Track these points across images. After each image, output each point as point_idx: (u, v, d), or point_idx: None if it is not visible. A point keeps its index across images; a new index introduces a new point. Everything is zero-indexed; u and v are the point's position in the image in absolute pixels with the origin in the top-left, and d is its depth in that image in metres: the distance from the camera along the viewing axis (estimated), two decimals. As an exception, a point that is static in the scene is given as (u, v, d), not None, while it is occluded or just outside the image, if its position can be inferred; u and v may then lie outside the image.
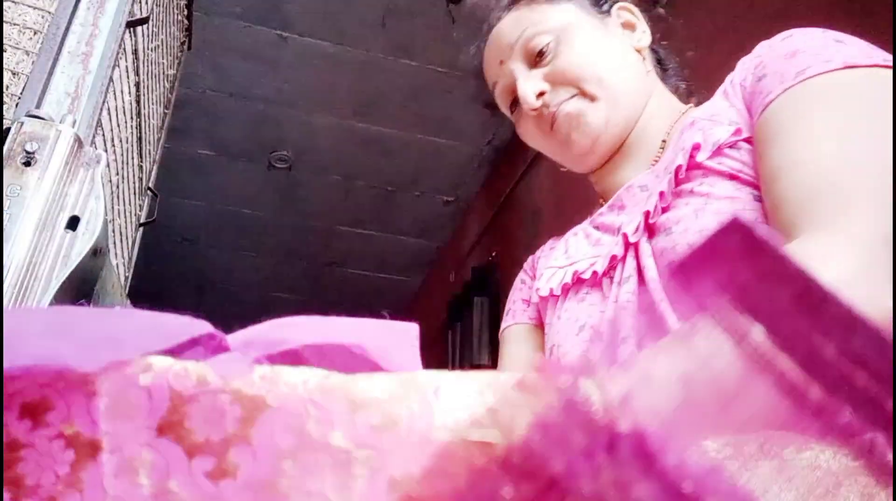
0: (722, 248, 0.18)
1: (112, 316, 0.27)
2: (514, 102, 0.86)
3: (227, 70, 2.92)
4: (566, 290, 0.82)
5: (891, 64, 0.63)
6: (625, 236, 0.75)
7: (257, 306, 4.37)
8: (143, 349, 0.24)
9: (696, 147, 0.71)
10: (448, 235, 3.85)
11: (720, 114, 0.74)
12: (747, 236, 0.18)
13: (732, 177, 0.68)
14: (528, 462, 0.17)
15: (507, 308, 1.00)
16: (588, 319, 0.78)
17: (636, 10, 0.87)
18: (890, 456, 0.21)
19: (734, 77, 0.75)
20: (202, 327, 0.26)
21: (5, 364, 0.23)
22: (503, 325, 0.99)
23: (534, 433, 0.17)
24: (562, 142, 0.82)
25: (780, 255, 0.18)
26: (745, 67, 0.74)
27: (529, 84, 0.81)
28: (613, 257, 0.77)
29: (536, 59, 0.81)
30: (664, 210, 0.72)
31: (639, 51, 0.84)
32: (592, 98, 0.79)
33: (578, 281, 0.81)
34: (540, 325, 0.94)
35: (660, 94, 0.85)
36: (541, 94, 0.80)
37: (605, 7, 0.86)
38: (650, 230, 0.73)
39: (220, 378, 0.23)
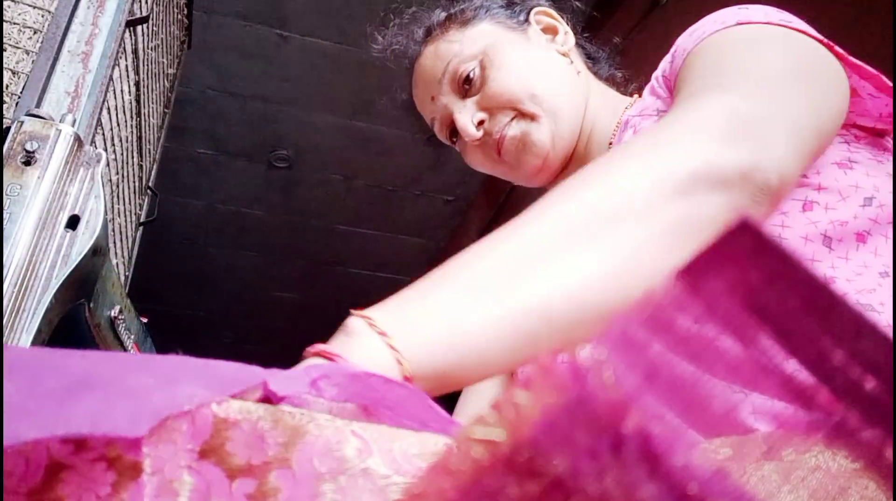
0: (730, 249, 0.18)
1: (163, 367, 0.27)
2: (454, 133, 0.86)
3: (227, 69, 2.91)
4: None
5: (792, 25, 0.64)
6: None
7: (257, 305, 4.37)
8: (198, 402, 0.24)
9: None
10: (448, 235, 3.85)
11: (649, 107, 0.74)
12: (756, 237, 0.18)
13: None
14: (533, 462, 0.17)
15: None
16: None
17: (553, 11, 0.86)
18: (891, 459, 0.21)
19: (657, 72, 0.76)
20: (253, 376, 0.26)
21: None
22: None
23: (539, 433, 0.17)
24: (512, 165, 0.82)
25: (789, 257, 0.18)
26: (664, 61, 0.75)
27: (466, 117, 0.80)
28: None
29: (465, 88, 0.81)
30: None
31: (565, 54, 0.82)
32: (533, 117, 0.78)
33: None
34: None
35: (598, 91, 0.84)
36: (480, 123, 0.80)
37: (522, 17, 0.85)
38: None
39: (262, 408, 0.23)
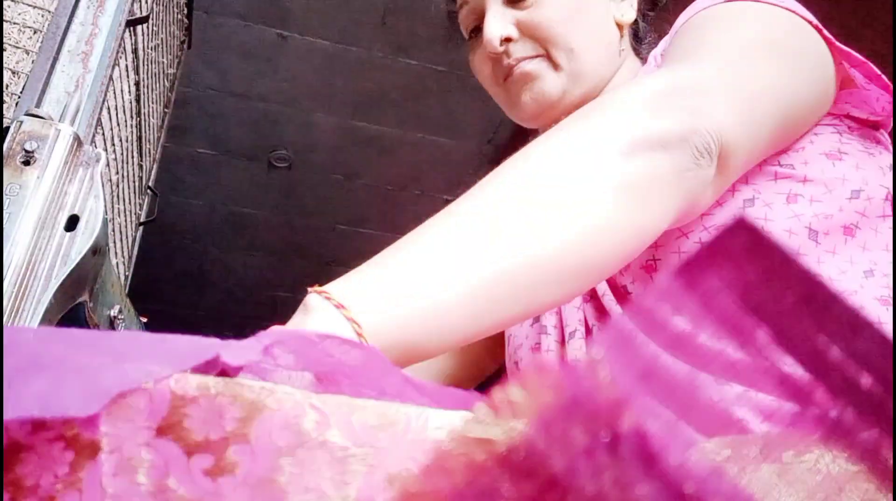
0: (728, 247, 0.18)
1: (116, 344, 0.27)
2: (476, 30, 0.81)
3: (227, 69, 2.91)
4: None
5: (781, 3, 0.64)
6: None
7: (257, 305, 4.37)
8: (150, 377, 0.24)
9: None
10: (448, 234, 3.84)
11: None
12: (753, 236, 0.18)
13: None
14: (530, 461, 0.17)
15: None
16: None
17: None
18: (891, 460, 0.21)
19: (655, 51, 0.76)
20: (210, 349, 0.26)
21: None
22: None
23: (535, 432, 0.17)
24: (510, 97, 0.79)
25: (786, 256, 0.18)
26: (664, 39, 0.75)
27: (498, 25, 0.76)
28: None
29: None
30: None
31: (621, 26, 0.80)
32: (556, 66, 0.76)
33: None
34: None
35: (628, 70, 0.82)
36: (507, 40, 0.76)
37: None
38: None
39: (221, 382, 0.23)
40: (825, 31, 0.65)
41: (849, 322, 0.19)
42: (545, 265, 0.45)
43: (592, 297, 0.72)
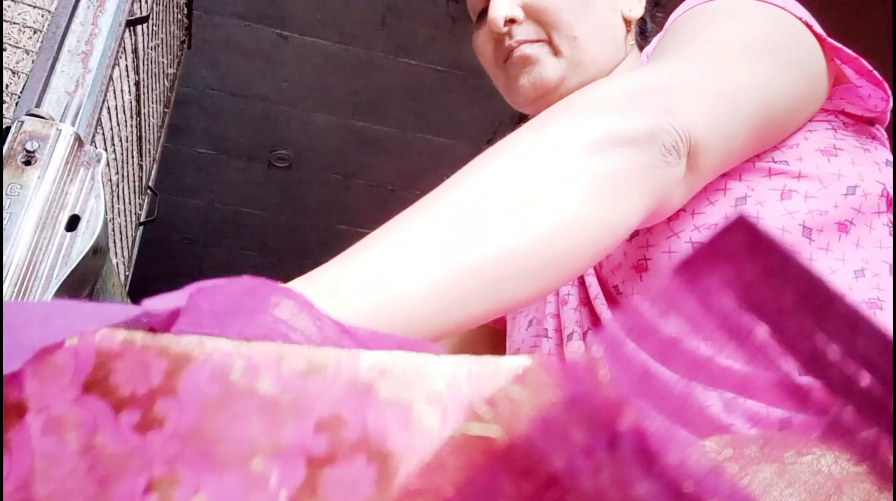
0: (727, 245, 0.18)
1: (43, 307, 0.27)
2: (483, 13, 0.81)
3: (227, 69, 2.91)
4: None
5: (772, 0, 0.64)
6: None
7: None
8: (74, 333, 0.24)
9: None
10: (448, 234, 3.84)
11: None
12: (752, 233, 0.18)
13: None
14: (529, 459, 0.17)
15: None
16: (535, 313, 0.78)
17: None
18: (891, 460, 0.21)
19: (648, 48, 0.76)
20: (138, 308, 0.26)
21: None
22: None
23: (534, 430, 0.17)
24: (507, 79, 0.79)
25: (785, 253, 0.18)
26: (657, 37, 0.75)
27: (504, 5, 0.76)
28: None
29: None
30: None
31: (628, 21, 0.80)
32: (557, 52, 0.76)
33: None
34: (493, 322, 0.93)
35: (631, 62, 0.81)
36: (511, 21, 0.76)
37: None
38: None
39: (147, 336, 0.23)
40: (816, 27, 0.64)
41: (848, 321, 0.19)
42: (515, 258, 0.45)
43: (587, 300, 0.71)
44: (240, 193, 3.57)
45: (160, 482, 0.22)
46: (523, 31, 0.77)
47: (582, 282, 0.72)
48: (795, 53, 0.63)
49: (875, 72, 0.66)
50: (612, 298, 0.68)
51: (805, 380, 0.20)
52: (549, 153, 0.49)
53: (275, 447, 0.22)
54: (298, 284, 0.43)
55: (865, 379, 0.20)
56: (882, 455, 0.21)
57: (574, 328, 0.70)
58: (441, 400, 0.23)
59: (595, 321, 0.69)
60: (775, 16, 0.64)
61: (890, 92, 0.67)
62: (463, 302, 0.44)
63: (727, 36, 0.61)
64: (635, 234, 0.67)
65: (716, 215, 0.64)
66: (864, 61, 0.65)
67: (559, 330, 0.73)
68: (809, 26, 0.64)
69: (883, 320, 0.57)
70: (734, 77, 0.58)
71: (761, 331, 0.19)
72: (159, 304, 0.27)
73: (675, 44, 0.62)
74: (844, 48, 0.65)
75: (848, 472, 0.28)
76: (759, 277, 0.18)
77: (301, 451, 0.22)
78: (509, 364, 0.25)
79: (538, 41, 0.76)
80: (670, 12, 0.74)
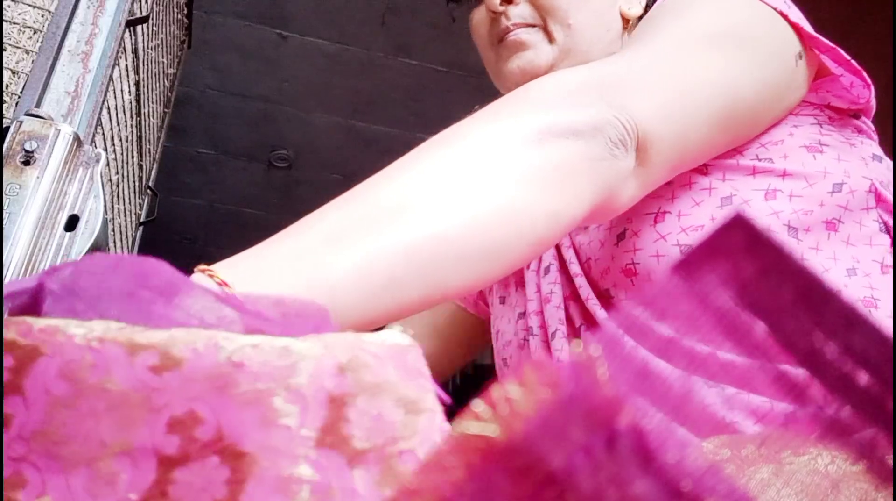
0: (724, 244, 0.18)
1: None
2: None
3: (227, 69, 2.91)
4: None
5: None
6: None
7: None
8: None
9: None
10: (448, 234, 3.84)
11: None
12: (750, 231, 0.18)
13: None
14: (527, 458, 0.17)
15: None
16: (525, 306, 0.78)
17: None
18: (890, 458, 0.21)
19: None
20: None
21: None
22: None
23: (533, 429, 0.17)
24: (499, 62, 0.79)
25: (782, 251, 0.18)
26: None
27: None
28: None
29: None
30: None
31: (625, 18, 0.80)
32: (551, 39, 0.76)
33: None
34: (473, 308, 0.93)
35: None
36: (508, 1, 0.77)
37: None
38: None
39: None
40: (792, 16, 0.63)
41: (845, 318, 0.19)
42: (447, 243, 0.45)
43: (575, 298, 0.71)
44: (240, 193, 3.57)
45: (6, 483, 0.21)
46: (519, 12, 0.77)
47: (567, 280, 0.72)
48: (766, 44, 0.62)
49: (853, 61, 0.65)
50: (607, 301, 0.68)
51: (803, 378, 0.20)
52: (491, 143, 0.49)
53: (125, 446, 0.22)
54: (219, 268, 0.42)
55: (863, 377, 0.20)
56: (880, 454, 0.21)
57: (558, 326, 0.70)
58: (302, 395, 0.22)
59: (589, 319, 0.69)
60: (746, 6, 0.63)
61: (870, 81, 0.66)
62: (394, 287, 0.43)
63: (692, 27, 0.60)
64: (622, 237, 0.66)
65: (702, 217, 0.63)
66: (841, 51, 0.65)
67: (543, 327, 0.72)
68: (784, 15, 0.63)
69: (879, 319, 0.57)
70: (693, 70, 0.58)
71: (759, 329, 0.19)
72: (11, 285, 0.26)
73: (642, 35, 0.62)
74: (820, 37, 0.64)
75: (845, 471, 0.28)
76: (757, 275, 0.18)
77: (152, 451, 0.22)
78: (377, 348, 0.24)
79: (533, 26, 0.76)
80: None
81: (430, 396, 0.25)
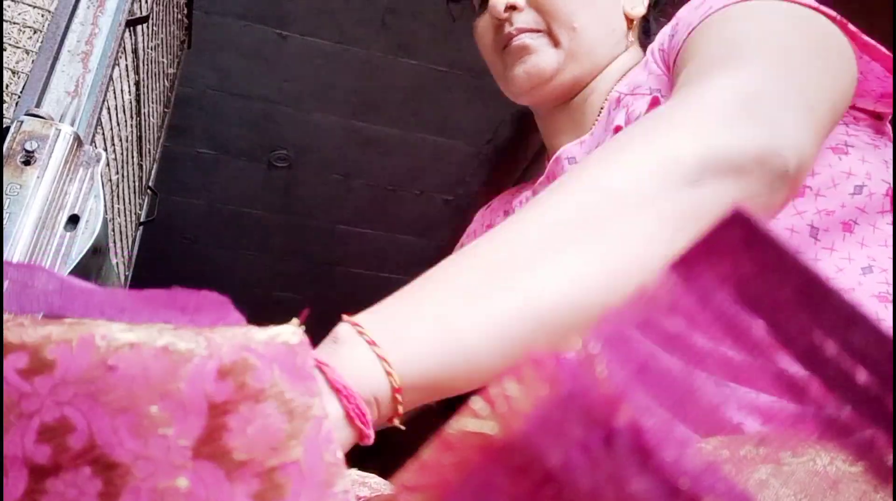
0: (723, 240, 0.18)
1: None
2: (485, 1, 0.81)
3: (227, 69, 2.91)
4: None
5: (802, 0, 0.62)
6: None
7: (257, 305, 4.37)
8: None
9: (618, 130, 0.70)
10: (448, 234, 3.85)
11: (641, 86, 0.72)
12: (749, 228, 0.18)
13: None
14: (525, 455, 0.17)
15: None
16: None
17: None
18: (889, 457, 0.21)
19: (653, 46, 0.73)
20: None
21: None
22: None
23: (531, 426, 0.17)
24: (504, 67, 0.78)
25: (782, 248, 0.18)
26: (661, 33, 0.73)
27: None
28: None
29: None
30: None
31: (629, 18, 0.79)
32: (556, 43, 0.75)
33: None
34: None
35: (630, 58, 0.80)
36: (512, 7, 0.76)
37: None
38: None
39: None
40: (850, 26, 0.62)
41: (846, 317, 0.19)
42: (582, 305, 0.42)
43: None
44: (240, 193, 3.57)
45: None
46: (523, 18, 0.76)
47: None
48: (840, 53, 0.60)
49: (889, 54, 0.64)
50: None
51: (802, 376, 0.20)
52: (638, 183, 0.43)
53: None
54: (368, 319, 0.42)
55: (863, 376, 0.20)
56: (879, 453, 0.21)
57: None
58: (180, 402, 0.21)
59: None
60: (817, 18, 0.61)
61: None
62: (529, 346, 0.41)
63: (789, 40, 0.56)
64: None
65: None
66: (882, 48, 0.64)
67: None
68: (844, 25, 0.62)
69: (886, 315, 0.57)
70: (811, 83, 0.53)
71: (758, 327, 0.19)
72: None
73: (731, 47, 0.56)
74: (877, 45, 0.63)
75: (844, 472, 0.28)
76: (756, 272, 0.18)
77: (23, 460, 0.20)
78: (264, 348, 0.23)
79: (538, 31, 0.76)
80: (674, 13, 0.73)
81: (317, 401, 0.24)
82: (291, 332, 0.25)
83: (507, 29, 0.77)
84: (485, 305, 0.41)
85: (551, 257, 0.42)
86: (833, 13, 0.63)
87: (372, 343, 0.40)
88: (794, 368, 0.20)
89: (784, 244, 0.18)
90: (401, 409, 0.40)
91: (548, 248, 0.42)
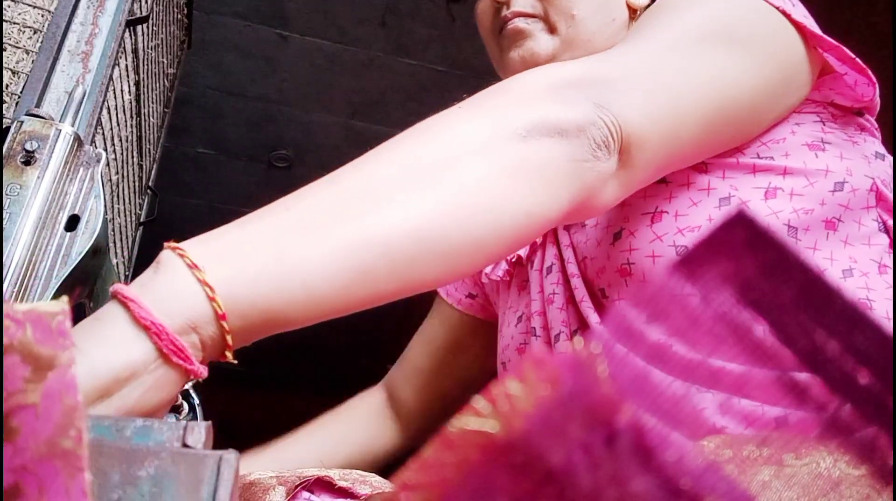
0: (726, 241, 0.18)
1: None
2: None
3: (227, 69, 2.91)
4: (509, 274, 0.81)
5: None
6: None
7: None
8: None
9: None
10: (448, 234, 3.84)
11: None
12: (752, 228, 0.18)
13: None
14: (526, 454, 0.17)
15: None
16: (524, 308, 0.77)
17: None
18: (890, 459, 0.21)
19: None
20: None
21: None
22: (440, 289, 0.96)
23: (532, 425, 0.17)
24: (501, 52, 0.79)
25: (785, 248, 0.18)
26: None
27: None
28: (533, 243, 0.76)
29: None
30: None
31: (633, 9, 0.79)
32: (552, 30, 0.75)
33: (511, 264, 0.80)
34: (478, 311, 0.92)
35: None
36: None
37: None
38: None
39: None
40: (795, 15, 0.62)
41: (847, 317, 0.19)
42: (424, 237, 0.44)
43: (572, 302, 0.71)
44: (240, 193, 3.57)
45: None
46: (521, 2, 0.76)
47: (566, 281, 0.72)
48: (764, 43, 0.61)
49: (857, 59, 0.64)
50: (599, 301, 0.68)
51: (803, 377, 0.20)
52: (476, 136, 0.49)
53: None
54: (191, 246, 0.41)
55: (864, 376, 0.20)
56: (882, 455, 0.21)
57: (561, 328, 0.70)
58: None
59: (582, 324, 0.69)
60: (746, 4, 0.62)
61: (874, 79, 0.66)
62: (368, 279, 0.42)
63: (689, 25, 0.60)
64: (618, 237, 0.66)
65: (699, 217, 0.63)
66: (846, 49, 0.64)
67: (546, 328, 0.72)
68: (787, 14, 0.62)
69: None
70: (687, 70, 0.57)
71: (760, 327, 0.19)
72: None
73: (639, 31, 0.61)
74: (824, 36, 0.63)
75: (847, 474, 0.28)
76: (758, 272, 0.18)
77: None
78: (22, 315, 0.25)
79: (534, 17, 0.76)
80: None
81: (66, 353, 0.25)
82: (53, 304, 0.28)
83: (504, 11, 0.77)
84: (326, 234, 0.42)
85: (395, 196, 0.45)
86: (776, 2, 0.62)
87: (193, 267, 0.39)
88: (796, 370, 0.20)
89: (786, 245, 0.18)
90: (230, 339, 0.39)
91: (393, 187, 0.45)
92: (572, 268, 0.70)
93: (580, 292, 0.69)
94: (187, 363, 0.37)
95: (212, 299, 0.38)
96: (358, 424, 0.95)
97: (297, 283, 0.40)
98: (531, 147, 0.49)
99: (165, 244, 0.42)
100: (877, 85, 0.66)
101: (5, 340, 0.25)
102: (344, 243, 0.42)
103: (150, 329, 0.37)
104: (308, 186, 0.46)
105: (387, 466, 0.94)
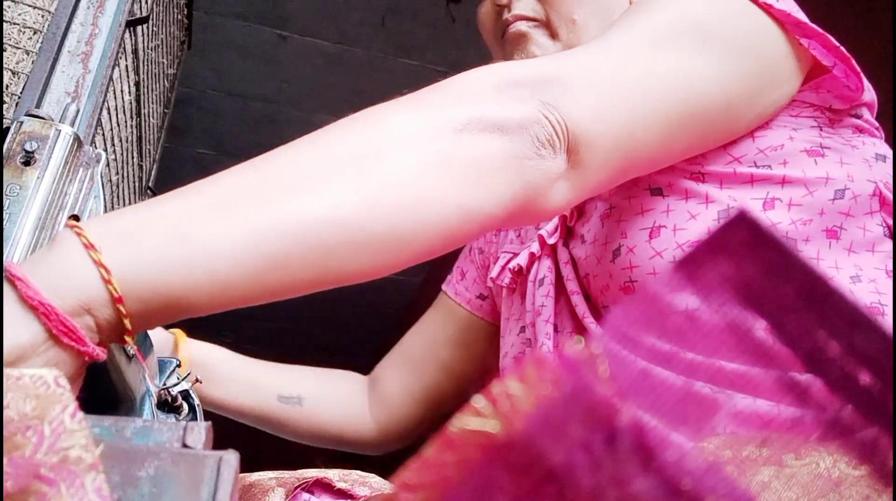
0: (728, 241, 0.18)
1: None
2: None
3: (227, 69, 2.91)
4: (514, 282, 0.81)
5: None
6: (541, 237, 0.74)
7: (257, 306, 4.36)
8: None
9: None
10: (448, 235, 3.84)
11: None
12: (753, 229, 0.18)
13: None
14: (527, 454, 0.17)
15: (459, 266, 0.97)
16: (523, 319, 0.77)
17: None
18: (891, 460, 0.21)
19: None
20: None
21: None
22: (448, 287, 0.95)
23: (533, 425, 0.17)
24: (503, 56, 0.79)
25: (786, 250, 0.18)
26: None
27: None
28: (532, 254, 0.75)
29: None
30: (578, 214, 0.71)
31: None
32: (554, 35, 0.75)
33: (514, 273, 0.80)
34: (487, 313, 0.92)
35: None
36: None
37: None
38: (567, 232, 0.72)
39: None
40: (777, 5, 0.61)
41: (849, 318, 0.19)
42: (341, 226, 0.43)
43: (571, 314, 0.70)
44: (240, 193, 3.57)
45: None
46: (522, 6, 0.76)
47: (557, 295, 0.71)
48: (739, 39, 0.59)
49: (842, 48, 0.63)
50: (602, 317, 0.68)
51: (804, 377, 0.20)
52: (407, 128, 0.48)
53: None
54: (90, 226, 0.39)
55: (865, 377, 0.20)
56: (882, 456, 0.21)
57: (544, 340, 0.70)
58: None
59: (568, 336, 0.69)
60: (731, 3, 0.60)
61: (858, 67, 0.64)
62: (281, 268, 0.41)
63: (656, 24, 0.58)
64: (617, 253, 0.65)
65: (698, 231, 0.61)
66: (830, 37, 0.62)
67: (536, 340, 0.72)
68: (767, 7, 0.61)
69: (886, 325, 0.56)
70: (647, 68, 0.55)
71: (761, 327, 0.19)
72: None
73: (609, 31, 0.60)
74: (808, 23, 0.61)
75: (847, 475, 0.28)
76: (760, 273, 0.18)
77: None
78: None
79: (535, 21, 0.75)
80: None
81: None
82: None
83: (506, 14, 0.77)
84: (236, 218, 0.40)
85: (315, 184, 0.43)
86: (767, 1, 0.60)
87: (90, 247, 0.37)
88: (797, 369, 0.20)
89: (788, 246, 0.18)
90: (128, 323, 0.37)
91: (314, 175, 0.44)
92: (572, 285, 0.69)
93: (581, 308, 0.68)
94: (80, 344, 0.35)
95: (107, 282, 0.37)
96: (338, 388, 0.94)
97: (200, 267, 0.39)
98: (464, 141, 0.48)
99: (66, 222, 0.41)
100: (862, 75, 0.64)
101: None
102: (253, 228, 0.40)
103: (37, 309, 0.35)
104: (227, 170, 0.45)
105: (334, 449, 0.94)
